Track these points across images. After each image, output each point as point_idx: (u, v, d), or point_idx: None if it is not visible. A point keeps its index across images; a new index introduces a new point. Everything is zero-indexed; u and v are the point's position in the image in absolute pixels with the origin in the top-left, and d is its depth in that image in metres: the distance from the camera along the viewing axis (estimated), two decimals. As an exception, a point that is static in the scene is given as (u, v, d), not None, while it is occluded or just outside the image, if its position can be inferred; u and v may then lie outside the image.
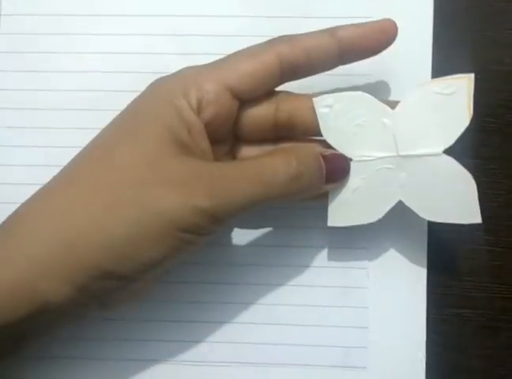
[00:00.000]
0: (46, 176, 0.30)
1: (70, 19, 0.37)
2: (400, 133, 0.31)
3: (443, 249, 0.35)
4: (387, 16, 0.35)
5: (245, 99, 0.31)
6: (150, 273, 0.28)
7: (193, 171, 0.28)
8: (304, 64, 0.30)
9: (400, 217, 0.32)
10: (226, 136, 0.32)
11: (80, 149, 0.30)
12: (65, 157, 0.31)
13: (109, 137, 0.30)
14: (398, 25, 0.31)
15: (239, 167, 0.29)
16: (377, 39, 0.31)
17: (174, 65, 0.35)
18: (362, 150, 0.31)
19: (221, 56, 0.31)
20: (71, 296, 0.27)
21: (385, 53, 0.31)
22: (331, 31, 0.31)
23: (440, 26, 0.36)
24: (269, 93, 0.31)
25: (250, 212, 0.29)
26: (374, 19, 0.35)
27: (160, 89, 0.30)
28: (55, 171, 0.30)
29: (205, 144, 0.30)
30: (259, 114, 0.31)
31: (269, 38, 0.34)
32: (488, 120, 0.35)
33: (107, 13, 0.37)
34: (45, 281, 0.27)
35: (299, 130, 0.32)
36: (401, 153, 0.31)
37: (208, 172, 0.28)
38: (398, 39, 0.31)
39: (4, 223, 0.29)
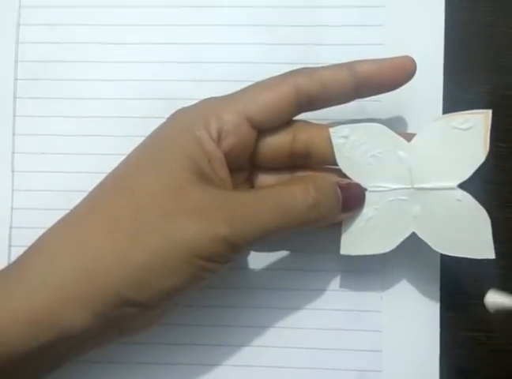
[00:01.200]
0: (65, 201, 0.31)
1: (85, 47, 0.37)
2: (415, 165, 0.31)
3: (456, 272, 0.35)
4: (398, 42, 0.36)
5: (263, 129, 0.31)
6: (169, 301, 0.29)
7: (213, 200, 0.29)
8: (321, 96, 0.31)
9: (413, 241, 0.32)
10: (244, 164, 0.32)
11: (99, 175, 0.31)
12: (84, 182, 0.31)
13: (131, 167, 0.30)
14: (409, 51, 0.31)
15: (258, 196, 0.30)
16: (395, 75, 0.31)
17: (189, 92, 0.36)
18: (377, 181, 0.32)
19: (236, 83, 0.32)
20: (90, 323, 0.27)
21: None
22: (349, 66, 0.31)
23: (451, 52, 0.36)
24: (286, 122, 0.32)
25: (268, 240, 0.29)
26: (385, 46, 0.36)
27: (181, 119, 0.31)
28: (75, 196, 0.30)
29: (224, 173, 0.30)
30: (276, 143, 0.32)
31: (283, 65, 0.34)
32: (500, 145, 0.36)
33: (125, 42, 0.37)
34: (65, 309, 0.27)
35: (315, 159, 0.32)
36: (416, 185, 0.31)
37: (227, 201, 0.29)
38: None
39: (27, 251, 0.29)
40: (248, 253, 0.36)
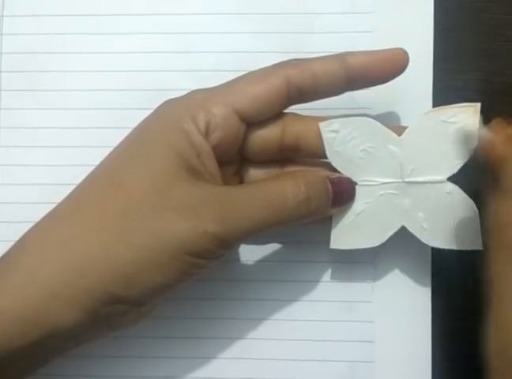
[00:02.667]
0: (52, 195, 0.31)
1: (71, 37, 0.37)
2: (405, 159, 0.31)
3: (447, 262, 0.35)
4: (388, 29, 0.35)
5: (252, 122, 0.31)
6: (158, 297, 0.29)
7: (203, 196, 0.28)
8: (311, 89, 0.31)
9: (404, 231, 0.32)
10: (233, 157, 0.32)
11: (86, 168, 0.30)
12: (71, 176, 0.31)
13: (118, 161, 0.30)
14: (398, 38, 0.31)
15: (248, 192, 0.30)
16: (387, 68, 0.31)
17: (178, 83, 0.36)
18: (367, 175, 0.32)
19: (225, 73, 0.32)
20: (80, 321, 0.27)
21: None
22: (340, 58, 0.30)
23: (440, 39, 0.36)
24: (275, 115, 0.31)
25: (258, 235, 0.29)
26: (374, 33, 0.35)
27: (169, 113, 0.30)
28: (61, 190, 0.30)
29: (213, 167, 0.30)
30: (266, 136, 0.31)
31: (272, 53, 0.34)
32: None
33: (112, 32, 0.37)
34: (54, 307, 0.27)
35: (304, 153, 0.32)
36: (406, 179, 0.31)
37: (217, 197, 0.29)
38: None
39: (12, 248, 0.29)
40: (238, 246, 0.36)
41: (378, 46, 0.31)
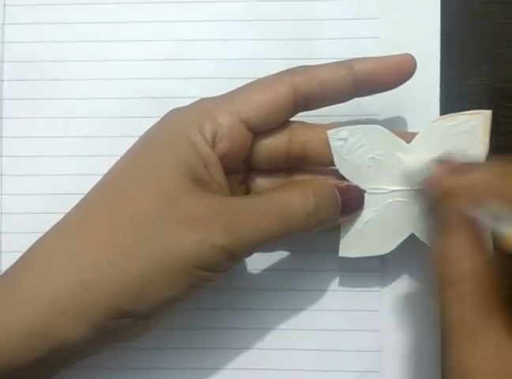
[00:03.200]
0: (57, 205, 0.31)
1: (72, 45, 0.37)
2: (414, 167, 0.31)
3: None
4: (394, 35, 0.35)
5: (259, 131, 0.30)
6: (166, 310, 0.28)
7: (211, 208, 0.28)
8: (318, 96, 0.30)
9: (412, 239, 0.32)
10: (239, 166, 0.32)
11: (90, 177, 0.30)
12: (75, 185, 0.31)
13: (125, 172, 0.29)
14: (405, 44, 0.31)
15: (256, 203, 0.29)
16: (394, 74, 0.30)
17: (180, 91, 0.35)
18: (375, 183, 0.31)
19: (228, 80, 0.31)
20: (87, 335, 0.27)
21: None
22: (347, 64, 0.30)
23: (447, 44, 0.35)
24: (282, 123, 0.31)
25: (267, 246, 0.29)
26: (380, 39, 0.35)
27: (175, 122, 0.30)
28: (66, 200, 0.30)
29: (220, 177, 0.29)
30: (272, 144, 0.31)
31: (277, 60, 0.34)
32: (500, 139, 0.35)
33: (115, 39, 0.36)
34: (61, 322, 0.26)
35: (312, 161, 0.32)
36: (415, 187, 0.31)
37: (225, 208, 0.28)
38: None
39: (19, 261, 0.29)
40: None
41: (384, 52, 0.31)
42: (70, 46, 0.37)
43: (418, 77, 0.31)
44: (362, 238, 0.32)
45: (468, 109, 0.31)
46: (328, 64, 0.30)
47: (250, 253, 0.29)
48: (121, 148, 0.30)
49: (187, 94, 0.32)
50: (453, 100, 0.35)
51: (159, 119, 0.30)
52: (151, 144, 0.30)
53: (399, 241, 0.32)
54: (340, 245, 0.32)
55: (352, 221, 0.32)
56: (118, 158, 0.30)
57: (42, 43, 0.37)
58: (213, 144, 0.29)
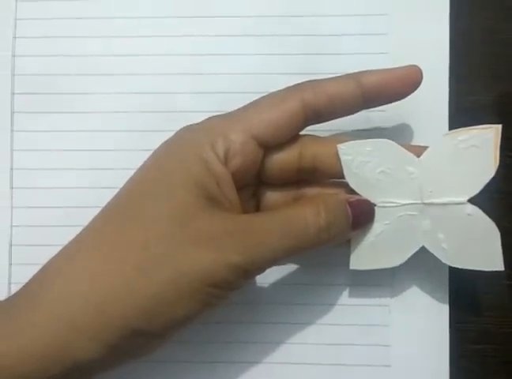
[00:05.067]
0: (67, 218, 0.31)
1: (83, 59, 0.37)
2: (424, 181, 0.31)
3: (465, 285, 0.35)
4: (403, 50, 0.35)
5: (269, 146, 0.31)
6: (180, 329, 0.28)
7: (224, 226, 0.28)
8: (328, 110, 0.30)
9: (422, 254, 0.32)
10: (250, 181, 0.32)
11: (100, 190, 0.30)
12: (84, 198, 0.31)
13: (137, 191, 0.29)
14: (413, 59, 0.31)
15: (268, 221, 0.29)
16: (402, 85, 0.31)
17: (189, 105, 0.35)
18: (386, 196, 0.32)
19: (237, 94, 0.32)
20: (102, 354, 0.27)
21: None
22: (355, 77, 0.30)
23: (456, 59, 0.36)
24: (292, 137, 0.31)
25: (279, 263, 0.29)
26: (389, 55, 0.35)
27: (187, 140, 0.30)
28: (75, 213, 0.30)
29: (232, 194, 0.29)
30: (283, 158, 0.31)
31: (285, 75, 0.34)
32: (509, 154, 0.35)
33: (125, 53, 0.37)
34: (76, 342, 0.27)
35: (322, 174, 0.32)
36: (426, 201, 0.31)
37: (238, 227, 0.28)
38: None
39: (34, 280, 0.29)
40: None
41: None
42: (82, 60, 0.37)
43: (427, 92, 0.31)
44: (373, 251, 0.32)
45: (477, 124, 0.31)
46: (336, 77, 0.31)
47: (263, 270, 0.29)
48: (133, 161, 0.30)
49: (197, 108, 0.32)
50: (461, 115, 0.36)
51: (171, 135, 0.30)
52: (163, 162, 0.30)
53: (410, 254, 0.32)
54: (351, 258, 0.32)
55: (363, 234, 0.32)
56: (131, 172, 0.30)
57: (53, 56, 0.37)
58: (226, 161, 0.29)
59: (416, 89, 0.31)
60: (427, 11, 0.36)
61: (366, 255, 0.32)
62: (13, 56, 0.37)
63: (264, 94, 0.31)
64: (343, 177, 0.32)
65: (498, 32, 0.36)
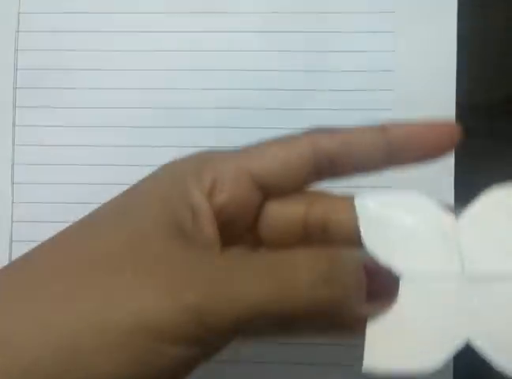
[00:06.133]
0: (68, 213, 0.30)
1: (86, 54, 0.37)
2: (465, 245, 0.24)
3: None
4: (410, 48, 0.35)
5: (270, 192, 0.25)
6: None
7: (188, 262, 0.23)
8: (344, 159, 0.25)
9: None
10: (244, 235, 0.26)
11: (101, 186, 0.30)
12: (86, 194, 0.30)
13: (102, 213, 0.25)
14: (421, 57, 0.31)
15: (249, 260, 0.23)
16: (436, 141, 0.25)
17: (192, 101, 0.35)
18: (414, 264, 0.24)
19: (243, 91, 0.32)
20: None
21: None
22: (381, 126, 0.25)
23: (461, 59, 0.35)
24: (299, 191, 0.26)
25: (259, 325, 0.23)
26: (396, 52, 0.35)
27: (170, 167, 0.26)
28: (76, 208, 0.30)
29: (211, 230, 0.24)
30: (286, 214, 0.26)
31: (292, 72, 0.34)
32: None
33: (131, 49, 0.36)
34: None
35: (333, 236, 0.25)
36: (468, 271, 0.23)
37: (206, 265, 0.23)
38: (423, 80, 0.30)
39: None
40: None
41: (400, 65, 0.31)
42: (85, 55, 0.37)
43: (434, 89, 0.31)
44: (396, 343, 0.23)
45: (484, 122, 0.30)
46: (358, 125, 0.26)
47: (231, 330, 0.22)
48: (133, 158, 0.30)
49: (203, 105, 0.31)
50: (468, 114, 0.35)
51: (172, 131, 0.29)
52: (138, 187, 0.26)
53: (450, 351, 0.22)
54: (365, 354, 0.23)
55: (382, 318, 0.23)
56: (132, 168, 0.30)
57: (56, 50, 0.37)
58: (210, 192, 0.24)
59: (450, 150, 0.25)
60: (434, 9, 0.35)
61: (386, 350, 0.23)
62: (16, 50, 0.37)
63: (267, 91, 0.30)
64: (359, 240, 0.24)
65: (506, 30, 0.36)
